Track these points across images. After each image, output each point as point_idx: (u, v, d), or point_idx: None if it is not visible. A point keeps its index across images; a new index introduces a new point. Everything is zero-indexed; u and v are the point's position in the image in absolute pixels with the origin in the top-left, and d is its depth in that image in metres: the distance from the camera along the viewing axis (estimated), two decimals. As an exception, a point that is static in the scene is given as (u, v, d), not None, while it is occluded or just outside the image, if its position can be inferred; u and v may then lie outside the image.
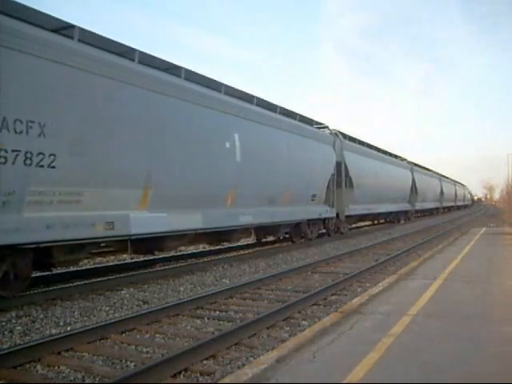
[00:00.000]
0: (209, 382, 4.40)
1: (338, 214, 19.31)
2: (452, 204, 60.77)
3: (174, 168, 9.76)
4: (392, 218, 30.85)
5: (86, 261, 12.06)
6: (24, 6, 7.24)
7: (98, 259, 12.38)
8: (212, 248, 14.34)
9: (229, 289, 8.37)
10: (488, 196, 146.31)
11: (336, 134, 20.30)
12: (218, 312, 7.10)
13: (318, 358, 4.35)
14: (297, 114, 16.33)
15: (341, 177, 19.80)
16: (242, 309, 7.28)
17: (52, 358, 4.96)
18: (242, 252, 14.58)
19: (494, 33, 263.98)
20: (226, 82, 12.11)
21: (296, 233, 16.82)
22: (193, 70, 10.93)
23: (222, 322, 6.50)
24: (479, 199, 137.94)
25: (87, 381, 4.48)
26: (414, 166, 36.84)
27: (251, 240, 16.65)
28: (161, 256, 12.39)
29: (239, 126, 12.06)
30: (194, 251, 14.39)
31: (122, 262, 12.05)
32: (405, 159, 35.37)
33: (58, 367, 4.75)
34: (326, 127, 19.44)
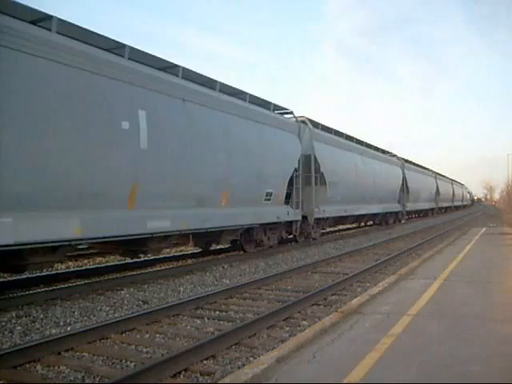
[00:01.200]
0: (209, 382, 4.40)
1: (306, 217, 16.23)
2: (449, 204, 56.57)
3: (23, 155, 6.86)
4: (379, 221, 27.53)
5: (85, 261, 12.09)
6: None
7: (98, 259, 12.39)
8: (212, 248, 14.33)
9: (229, 289, 8.37)
10: (488, 196, 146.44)
11: (304, 121, 16.94)
12: (218, 312, 7.10)
13: (318, 357, 4.36)
14: (247, 93, 13.06)
15: (310, 172, 16.40)
16: (242, 309, 7.28)
17: (52, 358, 4.96)
18: (241, 252, 14.56)
19: (493, 33, 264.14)
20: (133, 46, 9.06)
21: (247, 240, 13.66)
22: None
23: (221, 322, 6.50)
24: (479, 199, 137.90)
25: (87, 381, 4.48)
26: (406, 162, 32.79)
27: (191, 249, 14.05)
28: (161, 256, 12.39)
29: (147, 100, 9.00)
30: (194, 251, 14.39)
31: (122, 261, 12.04)
32: (395, 155, 31.34)
33: (58, 367, 4.75)
34: (291, 113, 15.83)
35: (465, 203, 78.93)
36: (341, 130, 20.64)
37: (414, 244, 16.32)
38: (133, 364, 4.84)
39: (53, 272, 10.09)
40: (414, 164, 37.39)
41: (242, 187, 12.14)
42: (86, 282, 9.06)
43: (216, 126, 11.15)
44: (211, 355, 4.99)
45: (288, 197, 15.08)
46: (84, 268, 10.81)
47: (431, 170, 45.13)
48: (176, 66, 10.33)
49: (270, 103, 14.30)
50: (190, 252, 14.08)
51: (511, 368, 4.22)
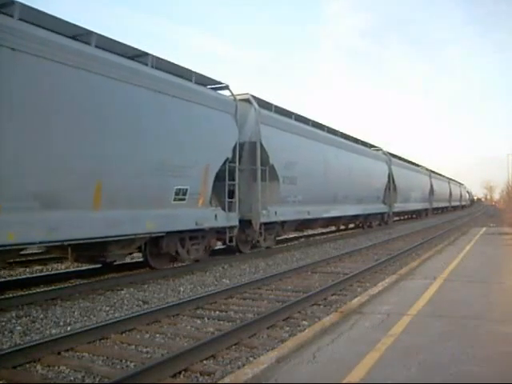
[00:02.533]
0: (209, 382, 4.40)
1: (250, 221, 12.89)
2: (445, 204, 52.52)
3: None
4: (361, 223, 24.39)
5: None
6: None
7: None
8: (212, 248, 14.32)
9: (229, 289, 8.37)
10: (488, 196, 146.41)
11: (247, 99, 13.24)
12: (218, 312, 7.10)
13: (318, 358, 4.35)
14: (150, 55, 9.59)
15: (255, 164, 13.01)
16: (242, 309, 7.28)
17: (52, 358, 4.96)
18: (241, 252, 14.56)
19: (494, 33, 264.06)
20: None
21: (154, 252, 10.23)
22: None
23: (222, 322, 6.50)
24: (479, 199, 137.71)
25: (87, 381, 4.48)
26: (393, 157, 28.87)
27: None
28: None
29: None
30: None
31: (122, 261, 12.03)
32: (380, 149, 27.24)
33: (58, 367, 4.75)
34: (226, 88, 12.21)
35: (463, 203, 74.69)
36: (306, 116, 16.80)
37: (414, 244, 16.32)
38: (133, 364, 4.84)
39: (53, 272, 10.08)
40: (403, 160, 33.37)
41: (126, 182, 8.70)
42: (85, 281, 9.05)
43: (80, 93, 7.88)
44: (211, 355, 4.99)
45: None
46: (84, 268, 10.79)
47: (424, 167, 41.79)
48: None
49: (191, 72, 10.83)
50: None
51: (511, 368, 4.22)
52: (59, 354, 5.12)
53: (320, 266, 11.55)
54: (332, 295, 8.16)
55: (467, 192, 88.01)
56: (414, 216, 38.27)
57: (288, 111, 15.63)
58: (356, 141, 22.78)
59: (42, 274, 10.16)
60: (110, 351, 5.27)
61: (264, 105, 14.05)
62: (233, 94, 12.45)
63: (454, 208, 61.85)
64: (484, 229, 24.37)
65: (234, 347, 5.33)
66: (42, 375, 4.60)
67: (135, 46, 9.36)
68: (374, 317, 5.86)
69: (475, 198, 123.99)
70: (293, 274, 10.28)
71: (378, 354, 4.41)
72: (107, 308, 7.27)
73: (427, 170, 42.24)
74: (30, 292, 8.18)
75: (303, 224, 17.15)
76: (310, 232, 21.56)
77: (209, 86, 11.80)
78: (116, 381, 4.08)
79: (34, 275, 9.88)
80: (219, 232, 11.91)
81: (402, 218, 35.63)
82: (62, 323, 6.41)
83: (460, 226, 27.88)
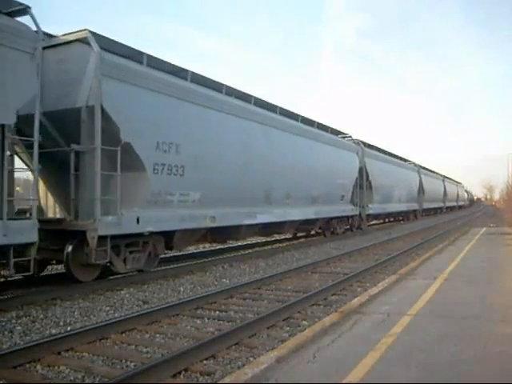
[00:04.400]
0: (209, 382, 4.40)
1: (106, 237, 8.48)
2: (439, 205, 47.90)
3: None
4: (321, 229, 19.32)
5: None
6: None
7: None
8: (212, 248, 14.34)
9: (229, 289, 8.37)
10: (488, 196, 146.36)
11: (86, 39, 8.49)
12: (217, 312, 7.10)
13: (318, 358, 4.35)
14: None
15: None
16: (242, 309, 7.28)
17: (52, 358, 4.96)
18: (242, 252, 14.58)
19: (494, 33, 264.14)
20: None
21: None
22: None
23: (221, 322, 6.50)
24: (479, 199, 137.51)
25: (87, 381, 4.48)
26: (367, 147, 23.91)
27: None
28: (161, 256, 12.37)
29: None
30: (194, 251, 14.39)
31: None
32: (349, 136, 22.04)
33: (58, 367, 4.75)
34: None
35: (461, 203, 68.98)
36: (218, 81, 12.07)
37: (413, 244, 16.32)
38: (133, 364, 4.84)
39: (53, 272, 10.08)
40: (382, 151, 27.48)
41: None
42: (85, 282, 9.03)
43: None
44: (211, 355, 4.99)
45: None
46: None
47: (412, 163, 36.66)
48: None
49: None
50: (189, 252, 14.08)
51: (511, 368, 4.22)
52: (59, 354, 5.12)
53: (320, 265, 11.55)
54: (332, 295, 8.17)
55: (465, 191, 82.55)
56: (401, 219, 33.25)
57: (166, 63, 10.40)
58: (309, 123, 17.22)
59: (42, 274, 10.14)
60: (109, 351, 5.27)
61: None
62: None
63: (451, 209, 57.18)
64: (484, 229, 24.36)
65: (233, 347, 5.33)
66: (41, 375, 4.60)
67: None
68: (374, 317, 5.86)
69: (475, 197, 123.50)
70: (293, 274, 10.28)
71: (378, 354, 4.40)
72: (107, 308, 7.27)
73: (416, 165, 37.01)
74: (30, 292, 8.18)
75: (213, 234, 12.23)
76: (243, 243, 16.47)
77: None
78: (116, 381, 4.08)
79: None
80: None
81: (385, 221, 31.05)
82: (62, 323, 6.41)
83: (460, 226, 27.87)
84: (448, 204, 53.56)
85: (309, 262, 11.89)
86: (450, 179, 59.05)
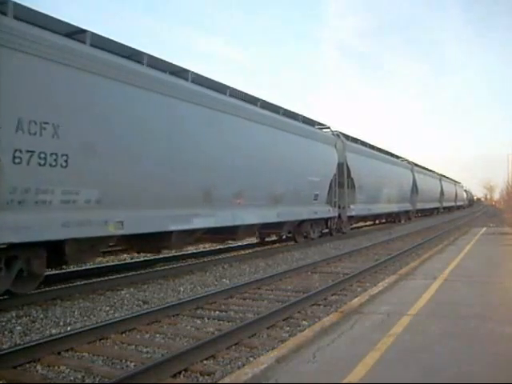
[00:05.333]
0: (209, 382, 4.40)
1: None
2: (435, 205, 44.78)
3: None
4: (288, 233, 16.54)
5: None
6: None
7: (98, 259, 12.38)
8: (212, 248, 14.34)
9: (229, 289, 8.37)
10: (488, 196, 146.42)
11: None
12: (217, 312, 7.10)
13: (318, 357, 4.35)
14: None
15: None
16: (242, 309, 7.28)
17: (52, 358, 4.96)
18: (242, 252, 14.58)
19: (493, 33, 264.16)
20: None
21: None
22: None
23: (221, 322, 6.50)
24: (478, 199, 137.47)
25: (87, 381, 4.48)
26: (349, 141, 21.05)
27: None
28: (161, 256, 12.40)
29: None
30: (194, 251, 14.39)
31: (122, 262, 12.06)
32: (327, 127, 19.11)
33: (58, 367, 4.75)
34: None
35: (459, 204, 65.46)
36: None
37: (413, 244, 16.32)
38: (133, 364, 4.84)
39: (53, 272, 10.08)
40: (368, 145, 24.48)
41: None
42: (85, 282, 9.05)
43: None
44: (211, 355, 4.99)
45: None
46: (84, 268, 10.80)
47: (406, 160, 34.07)
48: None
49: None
50: (189, 252, 14.09)
51: (511, 368, 4.22)
52: (59, 354, 5.11)
53: (320, 265, 11.55)
54: (332, 295, 8.17)
55: (465, 191, 78.49)
56: (392, 220, 30.35)
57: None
58: (273, 109, 14.36)
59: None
60: (109, 351, 5.27)
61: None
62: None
63: (448, 209, 53.94)
64: (484, 229, 24.37)
65: (234, 347, 5.33)
66: (41, 375, 4.60)
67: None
68: (374, 317, 5.86)
69: (475, 197, 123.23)
70: (293, 274, 10.28)
71: (378, 354, 4.41)
72: (107, 308, 7.27)
73: (409, 162, 34.16)
74: (30, 292, 8.17)
75: (127, 242, 10.29)
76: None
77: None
78: (116, 381, 4.08)
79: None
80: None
81: (375, 222, 28.81)
82: (62, 323, 6.40)
83: (460, 226, 27.88)
84: (445, 204, 50.16)
85: (309, 262, 11.88)
86: (448, 178, 55.88)
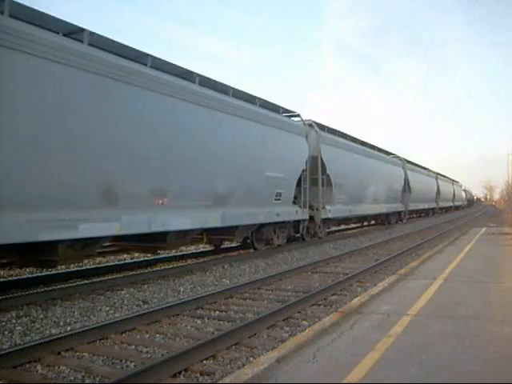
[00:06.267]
0: (209, 382, 4.40)
1: None
2: (431, 206, 41.86)
3: None
4: (249, 242, 14.21)
5: (86, 261, 12.08)
6: None
7: (98, 259, 12.38)
8: (212, 248, 14.33)
9: (229, 289, 8.37)
10: (488, 196, 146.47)
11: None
12: (217, 312, 7.10)
13: (318, 358, 4.35)
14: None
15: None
16: (242, 309, 7.28)
17: (52, 358, 4.96)
18: (242, 252, 14.57)
19: (493, 33, 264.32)
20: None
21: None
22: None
23: (222, 322, 6.50)
24: (478, 199, 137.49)
25: (87, 381, 4.48)
26: (325, 131, 17.97)
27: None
28: (161, 256, 12.40)
29: None
30: (194, 251, 14.39)
31: (122, 262, 12.05)
32: (296, 114, 16.05)
33: (58, 367, 4.75)
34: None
35: (457, 204, 62.28)
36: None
37: (413, 244, 16.32)
38: (133, 364, 4.84)
39: (53, 272, 10.08)
40: (350, 138, 20.88)
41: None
42: (85, 282, 9.05)
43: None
44: (211, 355, 4.99)
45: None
46: (84, 268, 10.80)
47: (397, 156, 30.60)
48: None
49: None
50: (190, 252, 14.09)
51: (511, 368, 4.22)
52: (59, 354, 5.12)
53: (320, 265, 11.56)
54: (332, 295, 8.17)
55: (463, 191, 75.30)
56: (381, 222, 27.63)
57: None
58: (221, 89, 11.52)
59: (42, 273, 10.15)
60: (109, 351, 5.27)
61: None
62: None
63: (445, 210, 51.27)
64: (484, 229, 24.37)
65: (234, 347, 5.33)
66: (41, 375, 4.60)
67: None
68: (374, 317, 5.86)
69: (475, 197, 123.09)
70: (293, 273, 10.28)
71: (378, 354, 4.41)
72: (107, 308, 7.27)
73: (401, 159, 31.18)
74: (30, 292, 8.18)
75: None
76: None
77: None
78: (116, 381, 4.08)
79: (34, 275, 9.88)
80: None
81: (363, 225, 26.50)
82: (62, 323, 6.40)
83: (460, 227, 27.88)
84: (442, 204, 47.13)
85: (309, 262, 11.89)
86: (445, 177, 52.78)
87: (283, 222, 14.66)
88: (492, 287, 8.00)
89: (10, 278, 9.61)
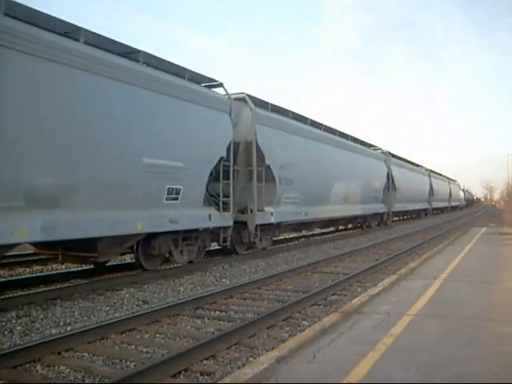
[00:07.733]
0: (209, 382, 4.40)
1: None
2: (424, 206, 38.07)
3: None
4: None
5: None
6: None
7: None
8: (212, 248, 14.31)
9: (229, 289, 8.37)
10: (488, 196, 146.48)
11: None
12: (217, 312, 7.10)
13: (318, 357, 4.35)
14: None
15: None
16: (242, 309, 7.28)
17: (52, 358, 4.96)
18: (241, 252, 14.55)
19: (493, 34, 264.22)
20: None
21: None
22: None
23: (222, 322, 6.50)
24: (478, 199, 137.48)
25: (87, 381, 4.48)
26: (248, 102, 13.13)
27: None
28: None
29: None
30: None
31: (122, 262, 12.05)
32: (222, 88, 11.94)
33: (58, 367, 4.75)
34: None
35: (454, 204, 58.35)
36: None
37: (413, 244, 16.32)
38: (133, 364, 4.84)
39: (53, 272, 10.09)
40: (309, 122, 16.66)
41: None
42: (85, 282, 9.05)
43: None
44: (211, 355, 4.99)
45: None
46: (84, 268, 10.80)
47: (379, 149, 26.94)
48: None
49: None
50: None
51: (511, 368, 4.22)
52: (59, 354, 5.12)
53: (320, 265, 11.55)
54: (332, 295, 8.16)
55: (462, 190, 71.46)
56: (358, 225, 24.13)
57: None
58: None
59: (42, 273, 10.16)
60: (110, 351, 5.27)
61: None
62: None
63: (441, 210, 48.03)
64: (484, 229, 24.37)
65: (234, 347, 5.32)
66: (41, 375, 4.60)
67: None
68: (374, 317, 5.86)
69: (475, 197, 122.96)
70: (293, 273, 10.28)
71: (378, 354, 4.41)
72: (107, 308, 7.27)
73: (383, 152, 27.24)
74: (30, 292, 8.18)
75: None
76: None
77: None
78: (116, 381, 4.08)
79: (34, 275, 9.89)
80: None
81: (338, 229, 23.11)
82: (62, 323, 6.40)
83: (460, 226, 27.88)
84: (436, 205, 42.93)
85: (309, 262, 11.88)
86: (440, 175, 48.72)
87: (189, 231, 10.79)
88: (492, 287, 8.00)
89: (9, 278, 9.61)
